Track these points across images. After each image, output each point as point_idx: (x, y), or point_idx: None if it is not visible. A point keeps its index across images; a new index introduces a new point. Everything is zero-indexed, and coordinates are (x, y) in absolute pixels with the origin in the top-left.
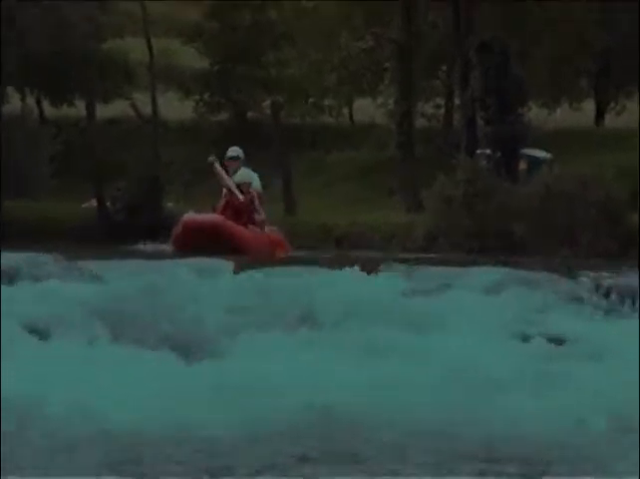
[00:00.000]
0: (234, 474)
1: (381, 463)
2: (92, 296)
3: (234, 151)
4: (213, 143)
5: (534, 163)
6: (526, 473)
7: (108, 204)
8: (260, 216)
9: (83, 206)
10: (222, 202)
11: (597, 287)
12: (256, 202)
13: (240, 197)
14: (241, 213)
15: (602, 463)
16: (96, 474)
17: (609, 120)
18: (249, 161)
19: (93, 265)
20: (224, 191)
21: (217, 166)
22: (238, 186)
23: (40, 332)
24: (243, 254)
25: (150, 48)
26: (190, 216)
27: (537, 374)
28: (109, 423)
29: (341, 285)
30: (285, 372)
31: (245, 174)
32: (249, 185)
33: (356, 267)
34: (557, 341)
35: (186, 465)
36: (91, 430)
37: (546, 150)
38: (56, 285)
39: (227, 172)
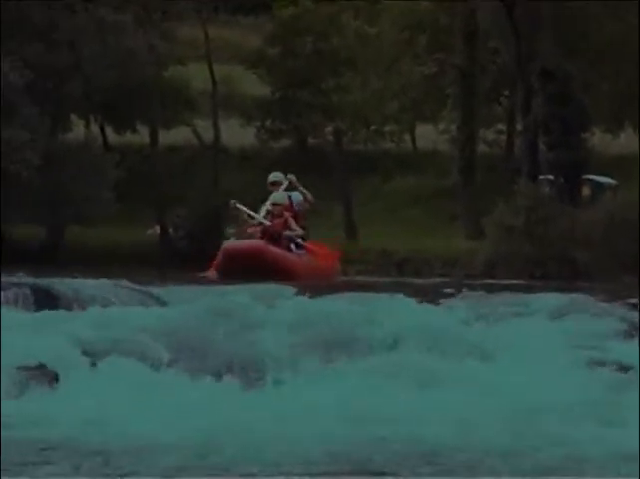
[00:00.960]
0: None
1: None
2: (156, 321)
3: (275, 175)
4: (274, 169)
5: (598, 188)
6: None
7: (170, 230)
8: (296, 231)
9: (147, 232)
10: (257, 231)
11: None
12: (291, 221)
13: (267, 222)
14: (278, 236)
15: None
16: None
17: None
18: (310, 187)
19: (156, 291)
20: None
21: (239, 205)
22: (271, 209)
23: (102, 357)
24: (289, 279)
25: (212, 75)
26: (232, 243)
27: (601, 402)
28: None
29: (404, 313)
30: (346, 401)
31: (279, 195)
32: (282, 206)
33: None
34: (622, 369)
35: None
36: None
37: (610, 175)
38: (120, 311)
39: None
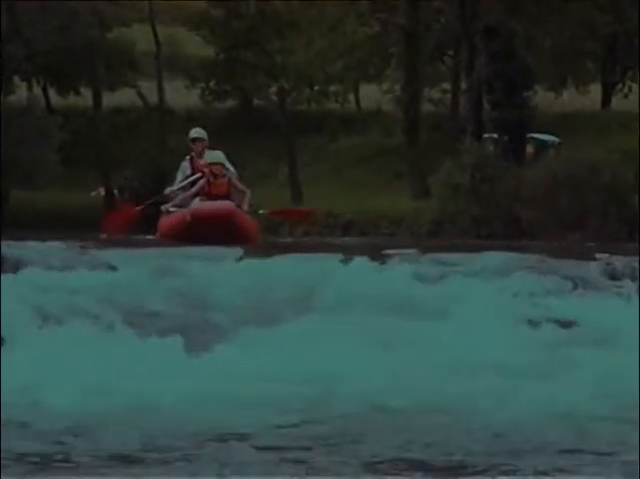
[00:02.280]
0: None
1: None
2: (103, 284)
3: (197, 132)
4: (220, 130)
5: (542, 146)
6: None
7: (115, 192)
8: (247, 194)
9: (91, 194)
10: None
11: (604, 271)
12: (236, 181)
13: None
14: (227, 198)
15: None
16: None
17: (616, 102)
18: (255, 148)
19: (102, 254)
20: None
21: (174, 189)
22: (210, 170)
23: (53, 319)
24: (250, 243)
25: (155, 36)
26: (199, 205)
27: (545, 360)
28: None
29: (351, 274)
30: (293, 362)
31: (216, 154)
32: (221, 165)
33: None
34: (565, 325)
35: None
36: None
37: (553, 133)
38: (67, 273)
39: (192, 157)
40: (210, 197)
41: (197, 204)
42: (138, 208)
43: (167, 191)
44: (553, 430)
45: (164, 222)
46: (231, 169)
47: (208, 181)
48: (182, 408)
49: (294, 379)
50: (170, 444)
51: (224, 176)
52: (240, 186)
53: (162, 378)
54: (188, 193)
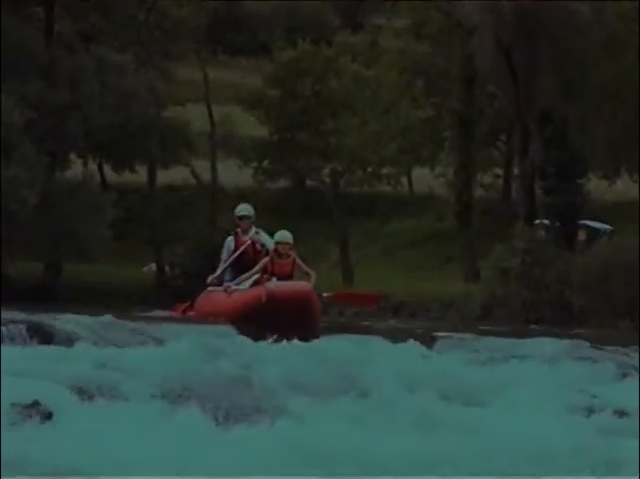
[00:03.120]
0: None
1: None
2: (153, 360)
3: (245, 209)
4: (271, 210)
5: (594, 233)
6: None
7: (167, 269)
8: (313, 278)
9: (143, 270)
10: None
11: None
12: (300, 263)
13: (308, 270)
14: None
15: None
16: None
17: None
18: (307, 229)
19: (152, 330)
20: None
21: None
22: (276, 249)
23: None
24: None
25: (211, 115)
26: (275, 284)
27: (599, 449)
28: None
29: (401, 358)
30: (340, 444)
31: (282, 233)
32: (290, 246)
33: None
34: (620, 414)
35: None
36: None
37: (606, 221)
38: (116, 350)
39: (237, 233)
40: (274, 275)
41: (274, 284)
42: (189, 305)
43: (209, 280)
44: None
45: (207, 300)
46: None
47: (272, 260)
48: None
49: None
50: None
51: (289, 256)
52: (305, 268)
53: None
54: (251, 272)
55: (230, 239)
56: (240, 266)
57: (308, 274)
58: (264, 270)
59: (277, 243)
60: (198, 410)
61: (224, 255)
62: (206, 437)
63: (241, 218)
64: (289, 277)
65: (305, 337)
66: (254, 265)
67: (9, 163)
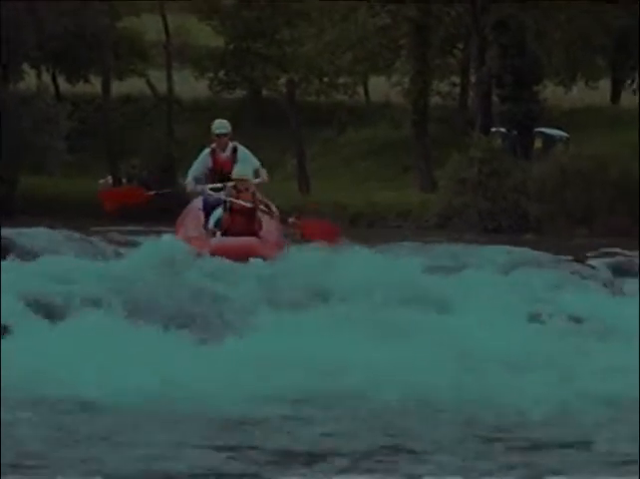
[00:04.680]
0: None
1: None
2: (108, 273)
3: (223, 126)
4: (228, 120)
5: (550, 141)
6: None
7: (123, 180)
8: (275, 212)
9: (99, 182)
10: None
11: (609, 266)
12: (262, 198)
13: (247, 203)
14: (252, 219)
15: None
16: None
17: (625, 98)
18: (264, 140)
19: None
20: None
21: (192, 187)
22: (237, 184)
23: (57, 309)
24: None
25: (165, 26)
26: (219, 241)
27: (546, 354)
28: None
29: (359, 264)
30: (300, 350)
31: (243, 168)
32: (249, 181)
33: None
34: (569, 320)
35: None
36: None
37: (562, 128)
38: (72, 262)
39: (215, 151)
40: (233, 212)
41: (218, 239)
42: (149, 192)
43: (187, 182)
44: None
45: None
46: (255, 161)
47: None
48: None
49: (298, 365)
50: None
51: (247, 189)
52: (267, 202)
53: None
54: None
55: (206, 153)
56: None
57: (269, 209)
58: (225, 205)
59: (235, 180)
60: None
61: (195, 169)
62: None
63: (219, 135)
64: (248, 211)
65: None
66: None
67: None
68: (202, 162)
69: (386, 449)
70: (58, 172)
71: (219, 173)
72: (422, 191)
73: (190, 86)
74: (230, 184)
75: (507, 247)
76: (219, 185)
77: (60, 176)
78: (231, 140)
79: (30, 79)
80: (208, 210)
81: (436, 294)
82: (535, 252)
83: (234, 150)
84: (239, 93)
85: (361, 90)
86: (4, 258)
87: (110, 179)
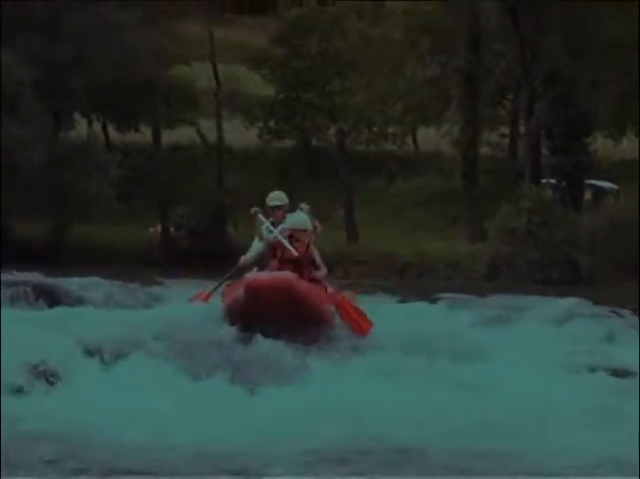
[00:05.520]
0: None
1: None
2: (152, 321)
3: (278, 198)
4: (277, 169)
5: (600, 193)
6: None
7: (172, 229)
8: (322, 271)
9: (149, 231)
10: (270, 258)
11: None
12: (317, 255)
13: (294, 251)
14: (300, 270)
15: None
16: None
17: None
18: (312, 188)
19: (155, 290)
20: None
21: (261, 216)
22: (291, 234)
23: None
24: (317, 322)
25: (216, 74)
26: (255, 275)
27: (601, 407)
28: None
29: (410, 315)
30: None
31: (301, 218)
32: (306, 233)
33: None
34: (623, 374)
35: None
36: None
37: (612, 180)
38: (118, 311)
39: (272, 224)
40: (282, 259)
41: (253, 273)
42: (210, 292)
43: (242, 260)
44: None
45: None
46: (315, 223)
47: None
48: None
49: (347, 417)
50: None
51: (304, 242)
52: (318, 259)
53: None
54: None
55: (265, 227)
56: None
57: (318, 267)
58: (273, 254)
59: (292, 229)
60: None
61: (257, 243)
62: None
63: (273, 208)
64: (297, 261)
65: (297, 338)
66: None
67: (14, 120)
68: (256, 246)
69: None
70: (107, 220)
71: (275, 250)
72: (470, 242)
73: (240, 135)
74: (286, 233)
75: (557, 299)
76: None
77: (109, 224)
78: (289, 212)
79: (81, 128)
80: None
81: (484, 347)
82: (586, 304)
83: (284, 220)
84: (289, 142)
85: (410, 140)
86: (55, 306)
87: (159, 227)
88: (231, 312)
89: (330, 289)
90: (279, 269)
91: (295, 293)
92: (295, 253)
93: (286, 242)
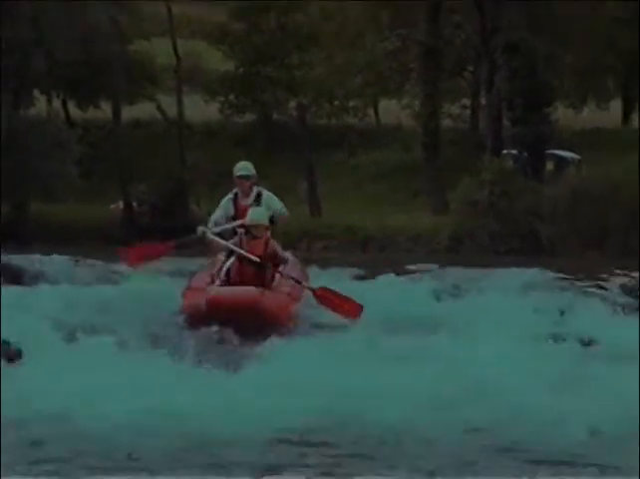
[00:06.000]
0: None
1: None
2: (115, 298)
3: (245, 168)
4: (238, 144)
5: (562, 163)
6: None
7: (134, 205)
8: (285, 259)
9: (110, 207)
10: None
11: (623, 288)
12: (279, 249)
13: (254, 258)
14: (262, 271)
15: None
16: None
17: (636, 119)
18: (274, 162)
19: (118, 267)
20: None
21: (210, 235)
22: (250, 229)
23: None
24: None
25: (175, 50)
26: (217, 291)
27: (564, 376)
28: None
29: (370, 289)
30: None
31: (259, 213)
32: (264, 226)
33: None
34: (587, 343)
35: None
36: None
37: (573, 150)
38: (81, 288)
39: (237, 196)
40: (242, 261)
41: (215, 288)
42: (168, 245)
43: (200, 230)
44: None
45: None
46: (280, 207)
47: (241, 240)
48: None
49: (309, 391)
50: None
51: (261, 238)
52: (281, 252)
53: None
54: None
55: (228, 199)
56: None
57: (283, 260)
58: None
59: (250, 225)
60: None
61: (217, 216)
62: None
63: (240, 178)
64: (260, 259)
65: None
66: None
67: None
68: (224, 208)
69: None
70: (70, 197)
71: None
72: (433, 214)
73: (201, 110)
74: (242, 230)
75: (519, 269)
76: (232, 225)
77: (71, 202)
78: (256, 184)
79: (41, 105)
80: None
81: (446, 319)
82: (548, 274)
83: (258, 195)
84: (250, 117)
85: (372, 113)
86: (16, 284)
87: (121, 204)
88: (191, 319)
89: (305, 283)
90: (240, 271)
91: (259, 311)
92: (256, 259)
93: (244, 252)
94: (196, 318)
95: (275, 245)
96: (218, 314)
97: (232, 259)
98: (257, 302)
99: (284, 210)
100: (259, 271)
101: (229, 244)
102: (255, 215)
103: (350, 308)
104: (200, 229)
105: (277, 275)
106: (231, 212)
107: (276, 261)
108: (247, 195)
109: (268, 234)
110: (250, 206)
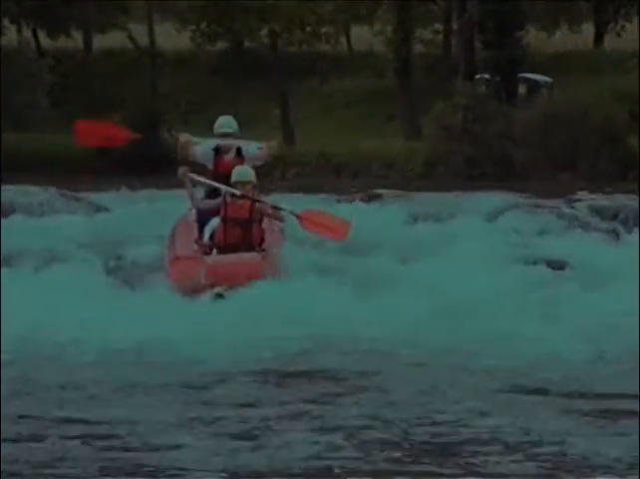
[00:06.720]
0: None
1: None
2: (87, 228)
3: (227, 124)
4: (211, 72)
5: (534, 86)
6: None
7: None
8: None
9: None
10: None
11: (596, 210)
12: (267, 206)
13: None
14: (250, 228)
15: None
16: None
17: (608, 41)
18: (246, 89)
19: (92, 197)
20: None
21: (194, 176)
22: (236, 185)
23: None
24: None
25: None
26: (218, 260)
27: (541, 299)
28: None
29: (346, 214)
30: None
31: (244, 171)
32: (251, 184)
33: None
34: (559, 266)
35: None
36: None
37: (546, 74)
38: (54, 218)
39: (220, 151)
40: (227, 219)
41: (214, 258)
42: (134, 135)
43: (182, 171)
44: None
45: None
46: (255, 147)
47: (225, 200)
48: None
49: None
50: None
51: (255, 196)
52: (269, 209)
53: None
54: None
55: (212, 146)
56: (219, 192)
57: (275, 216)
58: (217, 210)
59: (235, 182)
60: None
61: (199, 148)
62: None
63: (222, 136)
64: (246, 221)
65: None
66: None
67: None
68: (204, 156)
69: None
70: (41, 127)
71: (222, 177)
72: (406, 139)
73: (172, 39)
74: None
75: (492, 193)
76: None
77: (43, 131)
78: (237, 137)
79: (11, 34)
80: (203, 220)
81: (419, 243)
82: (520, 198)
83: (239, 150)
84: (222, 45)
85: (344, 39)
86: None
87: None
88: (184, 288)
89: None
90: (225, 233)
91: (262, 278)
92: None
93: (235, 191)
94: (191, 287)
95: (265, 203)
96: (219, 284)
97: (216, 220)
98: (260, 270)
99: (255, 146)
100: (246, 232)
101: (220, 185)
102: (238, 171)
103: (336, 227)
104: (182, 169)
105: (267, 234)
106: (211, 165)
107: (269, 216)
108: (229, 151)
109: (255, 192)
110: (232, 160)
